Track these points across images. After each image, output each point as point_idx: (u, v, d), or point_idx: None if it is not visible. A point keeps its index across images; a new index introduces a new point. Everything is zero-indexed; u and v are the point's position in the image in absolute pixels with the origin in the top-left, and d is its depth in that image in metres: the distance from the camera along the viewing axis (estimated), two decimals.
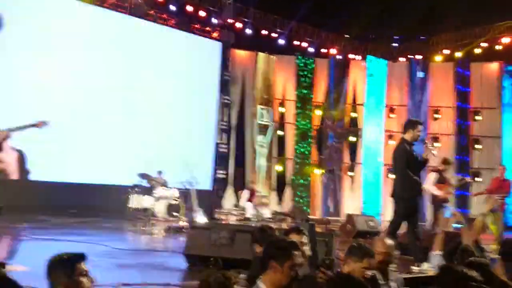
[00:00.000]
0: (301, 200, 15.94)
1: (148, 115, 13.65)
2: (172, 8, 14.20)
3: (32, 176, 11.73)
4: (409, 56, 16.80)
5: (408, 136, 6.33)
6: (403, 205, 6.27)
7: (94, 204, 11.73)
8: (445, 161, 8.77)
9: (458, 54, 16.10)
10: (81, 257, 2.82)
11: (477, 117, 16.00)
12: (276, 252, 3.06)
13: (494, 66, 16.27)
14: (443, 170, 8.64)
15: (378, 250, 3.87)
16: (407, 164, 6.18)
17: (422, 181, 6.68)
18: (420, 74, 16.41)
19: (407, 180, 6.27)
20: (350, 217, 10.75)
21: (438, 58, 16.50)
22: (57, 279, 2.75)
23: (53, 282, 2.76)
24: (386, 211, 14.00)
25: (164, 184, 12.24)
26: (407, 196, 6.22)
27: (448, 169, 8.83)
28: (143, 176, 12.13)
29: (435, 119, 16.24)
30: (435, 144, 15.88)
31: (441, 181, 8.50)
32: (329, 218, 13.66)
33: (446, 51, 16.27)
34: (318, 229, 7.24)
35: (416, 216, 6.35)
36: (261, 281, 3.01)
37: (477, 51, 15.75)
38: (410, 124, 6.47)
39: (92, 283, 2.81)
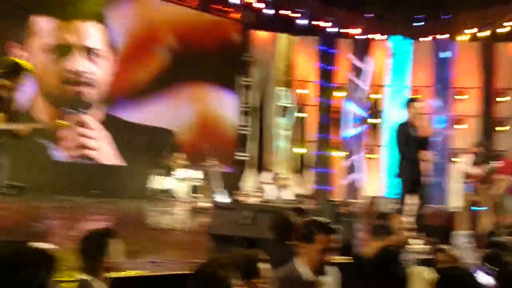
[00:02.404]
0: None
1: (167, 97, 13.65)
2: None
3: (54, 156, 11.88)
4: (433, 35, 16.46)
5: (410, 115, 6.41)
6: (403, 184, 6.38)
7: (116, 185, 11.84)
8: (480, 144, 8.81)
9: (484, 34, 15.72)
10: (113, 233, 2.87)
11: (502, 98, 15.68)
12: (303, 233, 3.05)
13: None
14: (478, 152, 8.68)
15: (395, 227, 3.92)
16: (403, 145, 6.28)
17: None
18: (444, 54, 16.09)
19: (405, 160, 6.44)
20: (371, 199, 10.73)
21: (463, 37, 16.14)
22: (90, 255, 2.79)
23: (85, 258, 2.79)
24: None
25: (185, 166, 12.34)
26: (404, 176, 6.34)
27: (483, 152, 8.89)
28: (166, 157, 12.22)
29: (460, 100, 15.96)
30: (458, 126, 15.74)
31: (475, 163, 8.56)
32: (351, 200, 13.63)
33: (471, 31, 15.89)
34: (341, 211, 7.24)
35: (421, 193, 6.42)
36: (297, 261, 3.03)
37: (503, 30, 15.35)
38: (408, 104, 6.58)
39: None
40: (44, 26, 11.64)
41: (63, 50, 11.84)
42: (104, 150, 12.35)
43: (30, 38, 11.46)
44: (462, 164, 8.95)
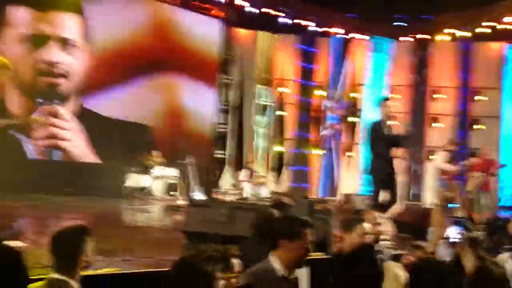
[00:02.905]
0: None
1: (146, 94, 13.53)
2: None
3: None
4: (412, 35, 16.63)
5: (383, 114, 6.56)
6: (375, 181, 6.48)
7: (91, 183, 11.66)
8: (453, 142, 9.03)
9: (461, 34, 15.94)
10: (86, 231, 2.84)
11: (478, 98, 15.93)
12: (288, 230, 3.05)
13: (496, 46, 16.15)
14: (451, 150, 8.89)
15: (370, 222, 3.99)
16: (375, 144, 6.42)
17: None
18: (423, 54, 16.29)
19: (376, 157, 6.61)
20: (347, 196, 10.86)
21: (441, 38, 16.34)
22: (66, 253, 2.75)
23: (60, 256, 2.75)
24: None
25: (161, 163, 12.26)
26: (376, 173, 6.47)
27: (455, 150, 9.12)
28: (141, 155, 12.13)
29: (437, 99, 16.17)
30: (434, 124, 15.97)
31: (449, 161, 8.76)
32: (327, 197, 13.73)
33: (450, 31, 16.11)
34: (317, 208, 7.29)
35: (393, 190, 6.52)
36: (273, 257, 3.02)
37: (481, 30, 15.58)
38: (380, 103, 6.73)
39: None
40: (20, 17, 11.48)
41: (38, 40, 11.65)
42: (77, 142, 12.14)
43: (5, 28, 11.30)
44: (437, 161, 9.17)
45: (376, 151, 6.56)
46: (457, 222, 3.58)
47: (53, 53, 11.80)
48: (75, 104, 12.30)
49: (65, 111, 12.02)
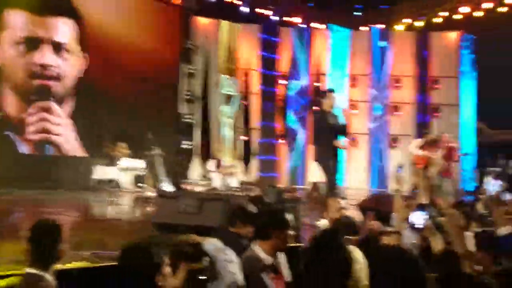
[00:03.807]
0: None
1: (108, 85, 13.32)
2: None
3: None
4: (371, 25, 16.91)
5: (325, 105, 6.80)
6: (323, 168, 6.71)
7: (56, 176, 11.49)
8: (428, 136, 9.40)
9: (419, 24, 16.31)
10: (59, 225, 2.85)
11: (436, 86, 16.37)
12: (279, 221, 3.18)
13: (453, 35, 16.59)
14: (426, 136, 9.23)
15: (335, 208, 4.15)
16: (318, 132, 6.66)
17: None
18: (381, 43, 16.56)
19: (318, 146, 7.01)
20: (315, 184, 11.03)
21: (399, 27, 16.68)
22: (43, 245, 2.74)
23: (36, 249, 2.74)
24: (349, 178, 14.45)
25: (128, 155, 12.14)
26: (320, 159, 6.70)
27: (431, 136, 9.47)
28: (108, 147, 11.98)
29: (396, 88, 16.51)
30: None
31: (423, 146, 9.09)
32: (295, 186, 13.90)
33: (407, 20, 16.46)
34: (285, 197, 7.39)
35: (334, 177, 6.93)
36: (257, 247, 3.11)
37: (437, 20, 15.99)
38: (323, 95, 6.98)
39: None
40: (16, 20, 11.59)
41: (32, 43, 11.77)
42: (69, 138, 12.31)
43: (2, 31, 11.38)
44: (410, 147, 9.54)
45: (320, 140, 6.83)
46: (420, 208, 3.74)
47: (46, 56, 11.94)
48: (69, 105, 12.40)
49: (58, 108, 12.18)
